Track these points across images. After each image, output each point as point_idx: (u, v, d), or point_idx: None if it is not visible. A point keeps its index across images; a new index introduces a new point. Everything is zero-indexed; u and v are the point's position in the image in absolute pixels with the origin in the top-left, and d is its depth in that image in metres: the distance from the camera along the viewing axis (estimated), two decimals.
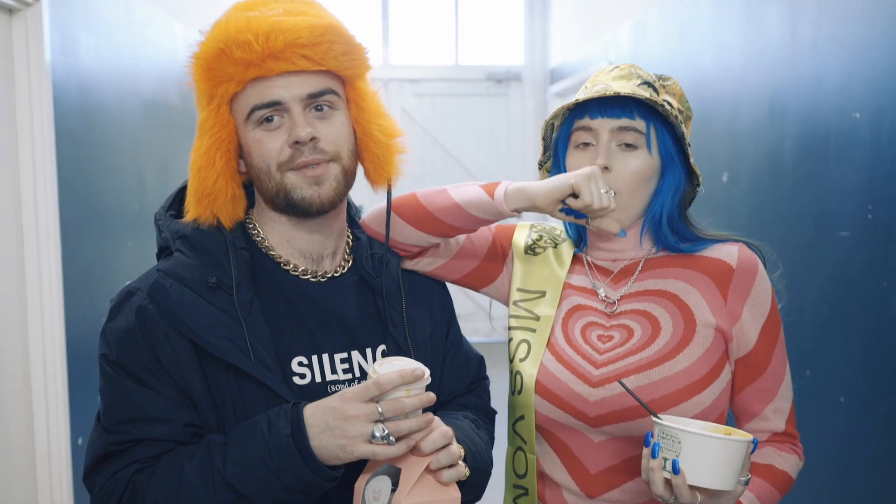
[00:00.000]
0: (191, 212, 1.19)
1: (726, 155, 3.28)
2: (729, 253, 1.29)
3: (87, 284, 3.32)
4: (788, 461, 1.28)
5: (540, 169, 1.38)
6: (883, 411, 2.24)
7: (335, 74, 1.19)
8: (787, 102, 2.78)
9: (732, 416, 1.34)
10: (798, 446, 1.32)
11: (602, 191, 1.19)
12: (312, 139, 1.14)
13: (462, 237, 1.38)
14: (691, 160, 1.29)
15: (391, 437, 1.03)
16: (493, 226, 1.42)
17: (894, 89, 2.18)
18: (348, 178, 1.21)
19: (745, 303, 1.26)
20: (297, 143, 1.14)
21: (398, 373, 1.05)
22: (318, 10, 1.18)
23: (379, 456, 1.03)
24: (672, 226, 1.30)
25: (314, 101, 1.16)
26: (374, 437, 1.03)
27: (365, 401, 1.04)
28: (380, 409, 1.03)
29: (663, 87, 1.28)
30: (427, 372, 1.09)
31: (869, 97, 2.30)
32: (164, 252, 1.22)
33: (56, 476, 3.07)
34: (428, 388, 1.23)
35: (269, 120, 1.15)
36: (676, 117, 1.24)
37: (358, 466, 1.13)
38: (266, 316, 1.16)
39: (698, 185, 1.32)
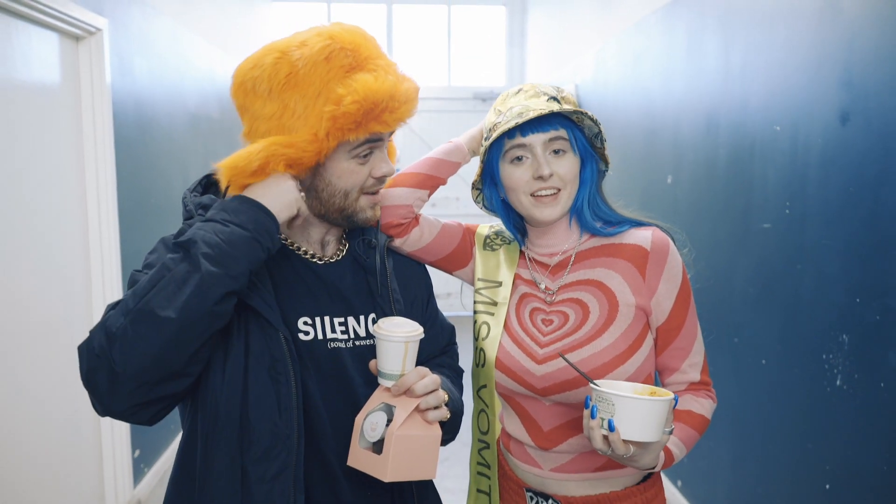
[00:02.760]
0: (224, 175, 1.14)
1: (670, 161, 3.30)
2: (643, 237, 1.28)
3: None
4: (704, 406, 1.29)
5: (472, 188, 1.37)
6: (798, 371, 2.26)
7: None
8: (721, 118, 2.79)
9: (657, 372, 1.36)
10: (711, 391, 1.33)
11: None
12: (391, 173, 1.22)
13: (439, 226, 1.39)
14: (606, 151, 1.30)
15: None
16: (465, 224, 1.45)
17: (808, 107, 2.20)
18: None
19: (661, 278, 1.26)
20: (382, 176, 1.20)
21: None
22: (400, 72, 1.22)
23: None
24: (593, 208, 1.31)
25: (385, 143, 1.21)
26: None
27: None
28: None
29: (563, 97, 1.28)
30: (417, 328, 1.11)
31: (788, 113, 2.31)
32: (186, 220, 1.20)
33: (118, 427, 3.08)
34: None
35: (364, 155, 1.16)
36: (591, 120, 1.24)
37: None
38: (275, 280, 1.16)
39: (607, 168, 1.33)
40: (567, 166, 1.26)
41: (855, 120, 1.98)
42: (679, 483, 3.24)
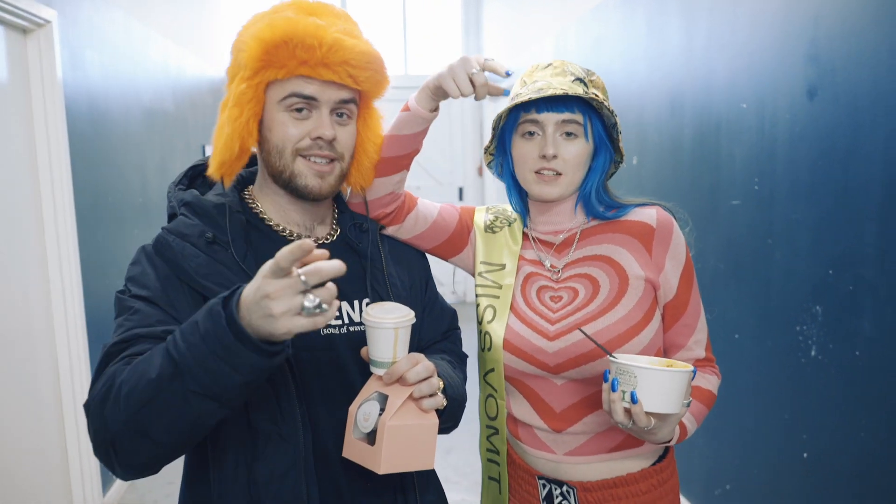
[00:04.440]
0: (213, 170, 1.13)
1: (635, 141, 3.30)
2: (648, 215, 1.28)
3: (101, 265, 3.20)
4: (710, 381, 1.30)
5: (485, 153, 1.35)
6: (772, 344, 2.29)
7: (359, 91, 1.16)
8: (685, 97, 2.80)
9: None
10: (715, 367, 1.33)
11: (473, 71, 1.16)
12: (332, 139, 1.12)
13: (434, 213, 1.36)
14: (620, 144, 1.28)
15: (323, 305, 0.84)
16: (460, 207, 1.41)
17: (774, 84, 2.21)
18: (343, 177, 1.18)
19: (666, 255, 1.26)
20: (319, 138, 1.11)
21: (289, 248, 0.82)
22: (367, 39, 1.15)
23: (319, 325, 0.85)
24: (598, 197, 1.29)
25: (340, 108, 1.13)
26: (304, 308, 0.83)
27: (281, 276, 0.83)
28: (303, 278, 0.82)
29: (591, 81, 1.26)
30: (407, 312, 1.04)
31: (754, 90, 2.32)
32: (171, 219, 1.16)
33: (84, 431, 2.97)
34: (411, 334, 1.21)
35: (298, 109, 1.10)
36: (609, 110, 1.23)
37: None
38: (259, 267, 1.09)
39: (621, 162, 1.31)
40: (575, 151, 1.24)
41: (822, 94, 2.00)
42: None
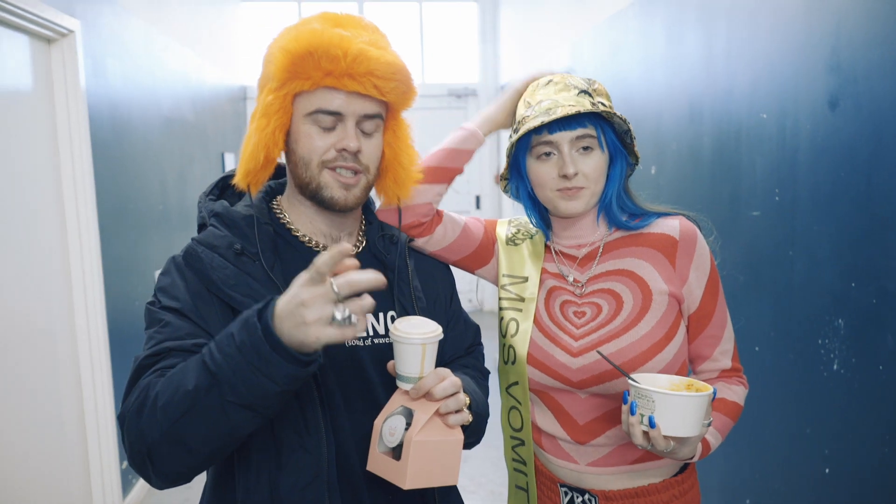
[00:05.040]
0: (239, 178, 1.14)
1: (653, 151, 3.28)
2: (671, 227, 1.27)
3: (122, 270, 3.23)
4: (736, 392, 1.29)
5: (501, 179, 1.35)
6: (793, 357, 2.26)
7: (386, 103, 1.16)
8: (704, 106, 2.78)
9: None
10: (742, 377, 1.32)
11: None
12: (357, 151, 1.11)
13: (461, 224, 1.35)
14: (635, 148, 1.27)
15: (353, 317, 0.86)
16: (484, 220, 1.41)
17: (795, 93, 2.19)
18: (369, 189, 1.19)
19: (691, 266, 1.25)
20: (344, 150, 1.11)
21: (329, 254, 0.85)
22: (393, 50, 1.16)
23: (348, 337, 0.86)
24: (620, 204, 1.29)
25: (365, 120, 1.13)
26: (335, 319, 0.85)
27: (316, 284, 0.86)
28: (335, 288, 0.84)
29: (594, 90, 1.25)
30: (435, 328, 1.03)
31: (774, 100, 2.30)
32: (202, 228, 1.17)
33: (104, 436, 2.99)
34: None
35: (325, 127, 1.11)
36: (619, 118, 1.22)
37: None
38: (287, 280, 1.06)
39: (636, 163, 1.31)
40: (593, 164, 1.23)
41: (844, 104, 1.97)
42: None
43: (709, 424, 1.09)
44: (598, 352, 1.17)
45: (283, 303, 0.88)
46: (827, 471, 2.10)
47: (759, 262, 2.42)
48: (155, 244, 3.66)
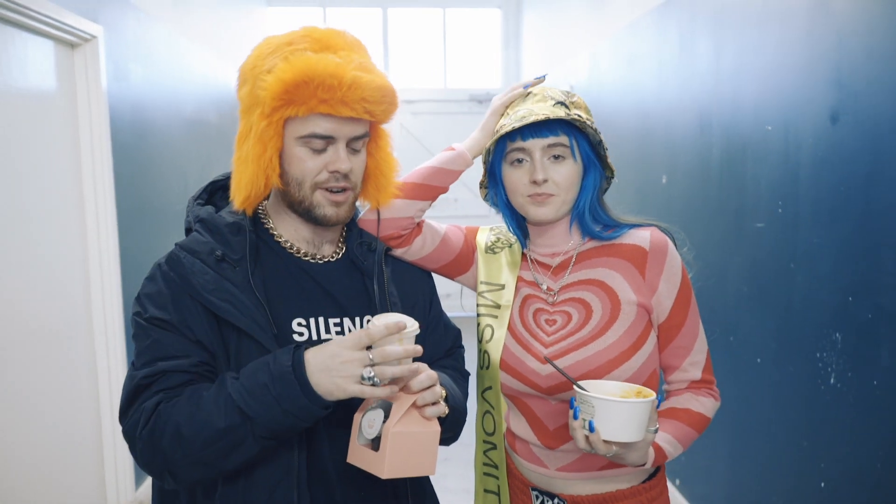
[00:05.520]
0: (238, 203, 1.18)
1: (664, 161, 3.29)
2: (642, 237, 1.29)
3: (140, 270, 3.29)
4: (704, 404, 1.29)
5: (481, 187, 1.38)
6: (793, 370, 2.26)
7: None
8: (713, 118, 2.78)
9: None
10: (714, 390, 1.32)
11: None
12: (348, 172, 1.16)
13: (441, 234, 1.38)
14: (609, 160, 1.29)
15: (376, 380, 1.03)
16: (465, 227, 1.44)
17: (798, 107, 2.19)
18: (355, 202, 1.23)
19: (661, 277, 1.26)
20: (335, 171, 1.15)
21: (384, 325, 1.04)
22: (379, 71, 1.19)
23: (367, 394, 1.03)
24: (593, 214, 1.30)
25: (355, 142, 1.17)
26: (362, 378, 1.03)
27: (358, 348, 1.03)
28: (370, 356, 1.03)
29: (572, 102, 1.27)
30: (411, 324, 1.08)
31: (779, 113, 2.31)
32: (188, 232, 1.22)
33: (119, 431, 3.07)
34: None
35: (315, 149, 1.14)
36: (592, 129, 1.24)
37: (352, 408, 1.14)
38: (267, 286, 1.17)
39: (612, 177, 1.32)
40: (565, 173, 1.25)
41: (845, 119, 1.98)
42: (677, 481, 3.24)
43: (655, 431, 1.12)
44: (547, 358, 1.20)
45: (321, 356, 1.04)
46: (822, 484, 2.10)
47: (763, 275, 2.43)
48: (173, 244, 3.75)
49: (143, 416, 1.07)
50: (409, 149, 6.61)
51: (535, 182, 1.25)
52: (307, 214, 1.18)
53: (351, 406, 1.15)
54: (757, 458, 2.49)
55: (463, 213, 6.54)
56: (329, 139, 1.14)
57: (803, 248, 2.18)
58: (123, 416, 1.11)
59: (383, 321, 1.07)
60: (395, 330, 1.04)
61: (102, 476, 3.07)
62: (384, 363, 1.03)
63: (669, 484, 3.29)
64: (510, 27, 7.18)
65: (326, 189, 1.16)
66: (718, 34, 2.73)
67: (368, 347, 1.05)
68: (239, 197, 1.17)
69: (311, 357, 1.05)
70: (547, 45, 6.01)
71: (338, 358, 1.03)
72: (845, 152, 1.98)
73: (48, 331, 2.68)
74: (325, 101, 1.09)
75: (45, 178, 2.69)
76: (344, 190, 1.17)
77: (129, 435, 1.10)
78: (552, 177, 1.25)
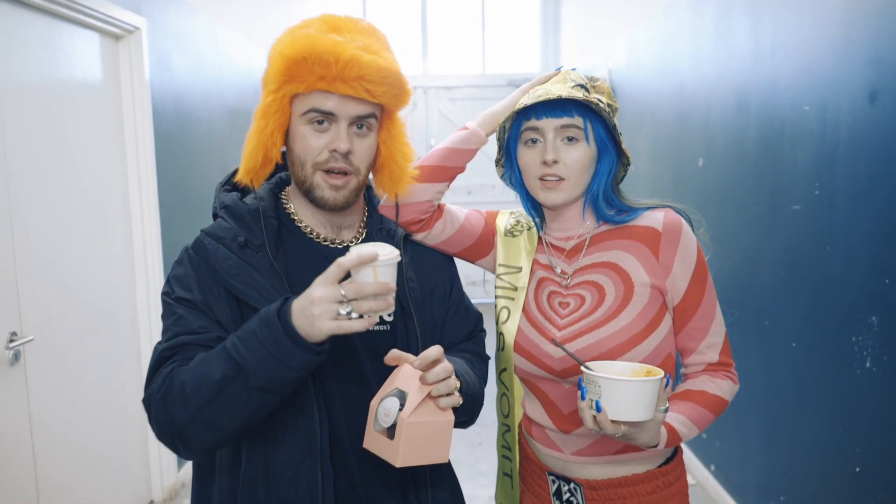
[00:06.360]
0: (241, 175, 1.21)
1: (701, 143, 3.24)
2: (655, 219, 1.27)
3: None
4: (720, 386, 1.27)
5: (497, 165, 1.37)
6: (826, 354, 2.22)
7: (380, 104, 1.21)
8: (751, 98, 2.73)
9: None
10: (732, 373, 1.31)
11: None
12: (348, 152, 1.17)
13: (461, 218, 1.39)
14: (623, 145, 1.28)
15: (353, 314, 0.99)
16: (485, 211, 1.44)
17: (837, 86, 2.14)
18: (361, 188, 1.23)
19: (675, 258, 1.25)
20: (335, 150, 1.16)
21: (357, 255, 0.99)
22: (388, 54, 1.19)
23: (344, 329, 0.99)
24: (607, 200, 1.29)
25: (358, 121, 1.18)
26: (339, 314, 0.99)
27: (331, 283, 1.00)
28: (342, 291, 0.98)
29: (594, 86, 1.26)
30: (387, 252, 1.03)
31: (816, 93, 2.26)
32: (216, 217, 1.25)
33: None
34: (432, 334, 1.26)
35: (319, 122, 1.16)
36: (607, 112, 1.23)
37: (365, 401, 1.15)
38: (288, 270, 1.18)
39: (628, 164, 1.31)
40: (577, 156, 1.25)
41: (883, 98, 1.93)
42: (712, 467, 3.21)
43: (665, 410, 1.11)
44: (554, 341, 1.19)
45: (301, 298, 1.01)
46: (857, 469, 2.06)
47: (798, 258, 2.39)
48: None
49: (158, 381, 1.10)
50: (448, 135, 6.61)
51: (545, 163, 1.25)
52: (309, 195, 1.20)
53: (366, 388, 1.17)
54: (791, 443, 2.46)
55: (501, 198, 6.53)
56: (330, 116, 1.15)
57: (839, 230, 2.14)
58: (147, 387, 1.14)
59: (364, 249, 1.03)
60: (368, 259, 0.99)
61: (147, 457, 3.18)
62: (359, 297, 0.99)
63: (704, 469, 3.27)
64: (549, 12, 7.12)
65: (326, 171, 1.17)
66: (755, 13, 2.67)
67: (347, 278, 1.02)
68: (242, 170, 1.20)
69: (294, 302, 1.02)
70: (585, 29, 5.94)
71: (308, 297, 1.00)
72: (883, 132, 1.93)
73: (96, 316, 2.79)
74: (322, 78, 1.11)
75: (92, 166, 2.79)
76: (345, 174, 1.18)
77: (146, 402, 1.11)
78: (563, 159, 1.24)
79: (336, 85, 1.12)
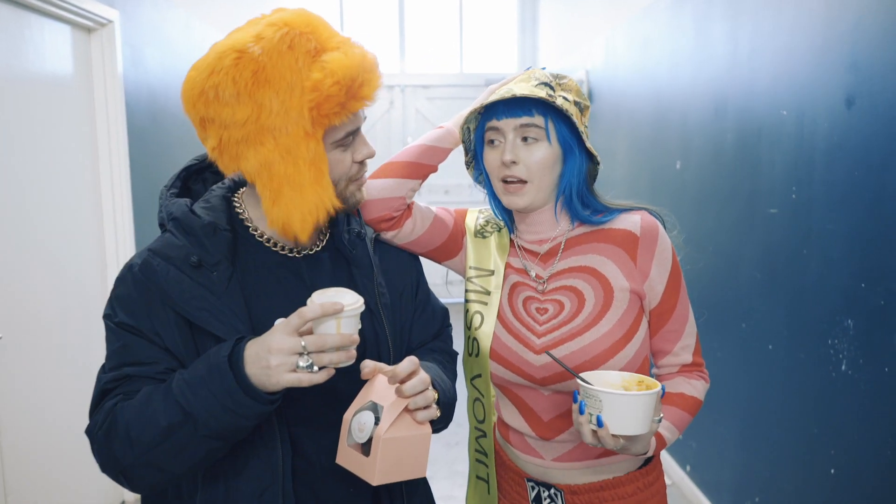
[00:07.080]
0: (305, 237, 1.10)
1: (679, 146, 3.26)
2: (632, 222, 1.25)
3: None
4: (696, 387, 1.27)
5: (468, 167, 1.34)
6: (804, 356, 2.24)
7: None
8: (728, 102, 2.75)
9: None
10: (704, 372, 1.31)
11: None
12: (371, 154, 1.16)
13: (431, 216, 1.35)
14: (587, 144, 1.24)
15: (314, 367, 0.94)
16: (454, 210, 1.41)
17: (814, 91, 2.16)
18: None
19: (652, 262, 1.24)
20: (363, 161, 1.14)
21: (320, 305, 0.94)
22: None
23: (304, 382, 0.94)
24: (581, 199, 1.26)
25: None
26: (298, 366, 0.94)
27: (290, 333, 0.94)
28: (303, 343, 0.93)
29: (559, 84, 1.23)
30: (351, 301, 0.98)
31: (794, 97, 2.28)
32: (161, 227, 1.14)
33: None
34: (401, 337, 1.22)
35: (347, 144, 1.11)
36: (574, 109, 1.20)
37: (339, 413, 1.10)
38: (245, 288, 1.09)
39: (598, 164, 1.28)
40: (538, 156, 1.21)
41: (860, 103, 1.95)
42: (688, 468, 3.23)
43: (659, 420, 1.10)
44: (549, 353, 1.17)
45: (256, 346, 0.96)
46: (832, 471, 2.09)
47: (775, 261, 2.40)
48: None
49: (101, 416, 1.03)
50: (425, 132, 6.59)
51: (504, 163, 1.21)
52: (346, 203, 1.15)
53: (336, 399, 1.11)
54: (767, 444, 2.48)
55: (480, 198, 6.52)
56: (355, 132, 1.11)
57: (816, 233, 2.16)
58: (91, 416, 1.07)
59: (319, 300, 0.98)
60: (332, 311, 0.94)
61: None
62: (320, 350, 0.94)
63: (679, 470, 3.29)
64: (527, 12, 7.13)
65: (356, 181, 1.15)
66: (734, 17, 2.69)
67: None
68: (297, 223, 1.07)
69: (248, 347, 0.96)
70: (563, 29, 5.95)
71: (265, 346, 0.94)
72: (860, 137, 1.95)
73: (64, 320, 2.72)
74: (361, 97, 1.06)
75: (61, 162, 2.72)
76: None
77: (89, 434, 1.05)
78: (523, 159, 1.21)
79: (371, 97, 1.08)
